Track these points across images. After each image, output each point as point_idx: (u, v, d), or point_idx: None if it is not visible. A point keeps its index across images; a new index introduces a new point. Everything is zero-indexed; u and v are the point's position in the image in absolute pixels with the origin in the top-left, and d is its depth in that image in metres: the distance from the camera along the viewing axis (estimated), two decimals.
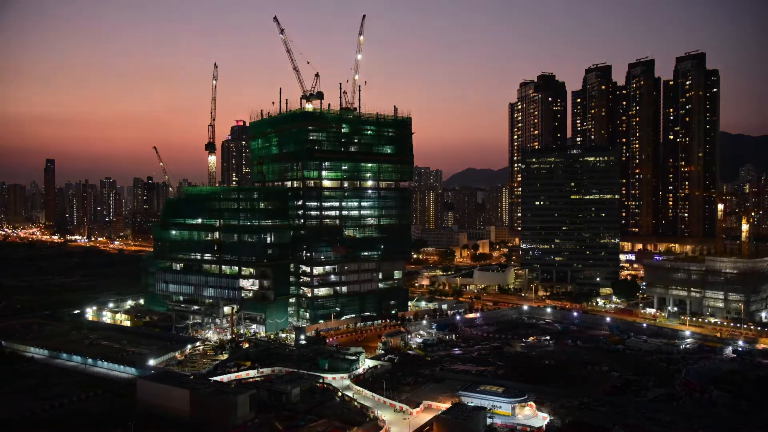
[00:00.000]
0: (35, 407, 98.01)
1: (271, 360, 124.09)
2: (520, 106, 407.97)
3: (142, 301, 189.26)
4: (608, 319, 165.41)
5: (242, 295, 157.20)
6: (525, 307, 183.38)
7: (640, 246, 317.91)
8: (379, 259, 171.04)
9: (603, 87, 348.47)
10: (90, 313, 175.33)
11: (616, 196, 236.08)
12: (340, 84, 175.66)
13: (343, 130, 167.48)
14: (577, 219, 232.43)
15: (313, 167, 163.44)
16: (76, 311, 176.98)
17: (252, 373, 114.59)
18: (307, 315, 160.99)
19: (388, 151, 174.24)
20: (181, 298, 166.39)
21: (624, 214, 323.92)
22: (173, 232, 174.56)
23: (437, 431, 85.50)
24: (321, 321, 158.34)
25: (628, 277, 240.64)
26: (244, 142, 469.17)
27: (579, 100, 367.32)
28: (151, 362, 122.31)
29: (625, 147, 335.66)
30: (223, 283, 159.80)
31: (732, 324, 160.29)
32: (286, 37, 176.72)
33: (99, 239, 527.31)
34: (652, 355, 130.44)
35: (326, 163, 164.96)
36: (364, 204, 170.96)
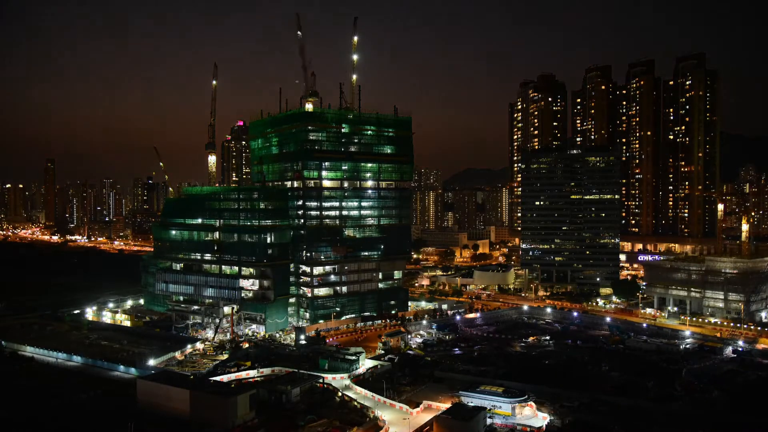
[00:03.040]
0: (35, 407, 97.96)
1: (271, 360, 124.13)
2: (520, 106, 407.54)
3: (142, 301, 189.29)
4: (608, 319, 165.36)
5: (242, 295, 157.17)
6: (525, 307, 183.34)
7: (640, 246, 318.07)
8: (379, 259, 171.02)
9: (603, 87, 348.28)
10: (90, 313, 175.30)
11: (616, 196, 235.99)
12: (341, 84, 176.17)
13: (343, 130, 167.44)
14: (577, 219, 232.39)
15: (313, 167, 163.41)
16: (76, 311, 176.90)
17: (252, 373, 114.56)
18: (307, 315, 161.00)
19: (388, 151, 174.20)
20: (181, 298, 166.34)
21: (624, 214, 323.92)
22: (173, 232, 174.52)
23: (437, 431, 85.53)
24: (321, 321, 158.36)
25: (628, 277, 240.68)
26: (244, 142, 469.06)
27: (579, 100, 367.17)
28: (151, 362, 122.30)
29: (625, 147, 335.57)
30: (223, 283, 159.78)
31: (732, 324, 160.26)
32: (303, 37, 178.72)
33: (99, 239, 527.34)
34: (652, 355, 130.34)
35: (326, 163, 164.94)
36: (364, 204, 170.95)
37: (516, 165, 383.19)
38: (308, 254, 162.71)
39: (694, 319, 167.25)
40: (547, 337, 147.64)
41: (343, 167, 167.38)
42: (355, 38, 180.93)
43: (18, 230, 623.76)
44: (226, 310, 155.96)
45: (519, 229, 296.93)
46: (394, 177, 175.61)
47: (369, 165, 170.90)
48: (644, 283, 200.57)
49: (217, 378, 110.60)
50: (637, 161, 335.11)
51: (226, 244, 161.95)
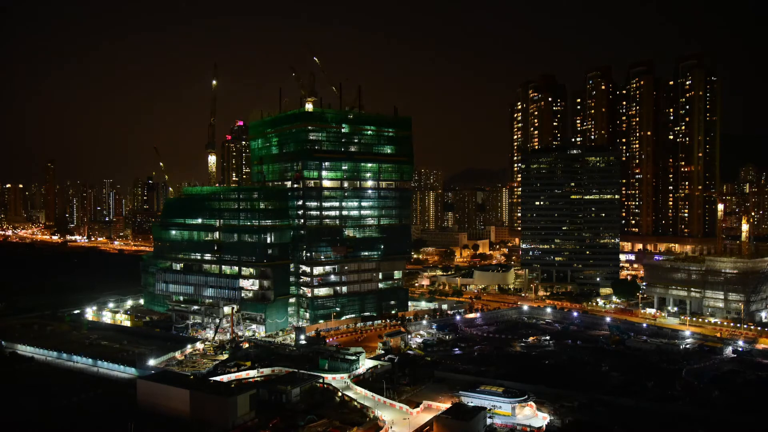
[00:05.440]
0: (35, 407, 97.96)
1: (271, 360, 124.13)
2: (520, 106, 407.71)
3: (142, 301, 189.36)
4: (608, 319, 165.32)
5: (242, 295, 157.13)
6: (525, 307, 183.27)
7: (640, 246, 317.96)
8: (379, 259, 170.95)
9: (603, 87, 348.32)
10: (90, 313, 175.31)
11: (616, 196, 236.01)
12: (341, 84, 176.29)
13: (343, 130, 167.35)
14: (577, 219, 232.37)
15: (313, 167, 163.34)
16: (76, 311, 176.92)
17: (252, 373, 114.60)
18: (307, 315, 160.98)
19: (388, 151, 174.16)
20: (181, 298, 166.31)
21: (624, 214, 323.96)
22: (173, 232, 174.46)
23: (437, 431, 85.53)
24: (321, 321, 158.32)
25: (628, 277, 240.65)
26: (244, 142, 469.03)
27: (579, 100, 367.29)
28: (151, 362, 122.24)
29: (625, 147, 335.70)
30: (223, 283, 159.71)
31: (732, 324, 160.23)
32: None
33: (99, 239, 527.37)
34: (652, 355, 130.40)
35: (326, 163, 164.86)
36: (364, 204, 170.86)
37: (516, 165, 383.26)
38: (308, 254, 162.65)
39: (694, 319, 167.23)
40: (547, 337, 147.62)
41: (343, 167, 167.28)
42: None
43: (18, 230, 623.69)
44: (226, 310, 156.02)
45: (519, 229, 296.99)
46: (394, 177, 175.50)
47: (369, 165, 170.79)
48: (644, 283, 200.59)
49: (217, 378, 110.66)
50: (637, 161, 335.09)
51: (226, 244, 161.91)
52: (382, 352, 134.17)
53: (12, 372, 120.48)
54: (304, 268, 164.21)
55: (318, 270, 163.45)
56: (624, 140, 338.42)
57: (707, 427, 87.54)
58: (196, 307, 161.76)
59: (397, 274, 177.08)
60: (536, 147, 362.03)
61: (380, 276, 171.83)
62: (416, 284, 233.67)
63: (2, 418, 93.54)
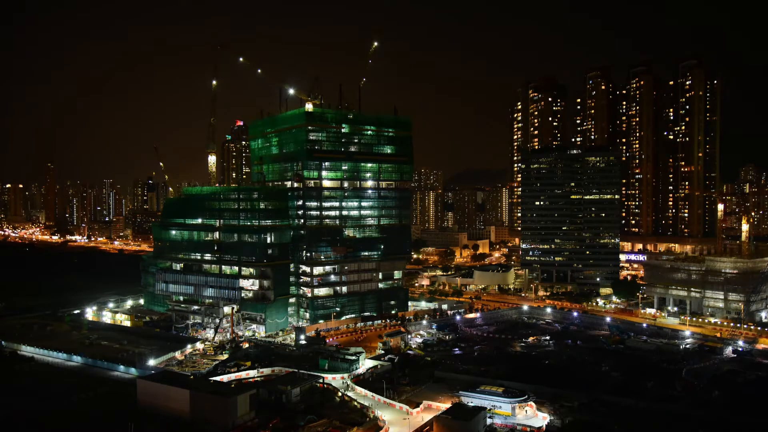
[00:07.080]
0: (35, 407, 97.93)
1: (271, 360, 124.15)
2: (520, 107, 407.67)
3: (142, 301, 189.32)
4: (608, 319, 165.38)
5: (242, 295, 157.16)
6: (525, 307, 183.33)
7: (639, 246, 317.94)
8: (379, 259, 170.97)
9: (603, 87, 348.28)
10: (90, 313, 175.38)
11: (616, 196, 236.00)
12: (340, 86, 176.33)
13: (343, 130, 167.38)
14: (577, 219, 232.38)
15: (313, 167, 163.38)
16: (76, 311, 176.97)
17: (252, 373, 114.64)
18: (307, 315, 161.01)
19: (388, 151, 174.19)
20: (181, 298, 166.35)
21: (624, 214, 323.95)
22: (173, 232, 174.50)
23: (437, 431, 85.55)
24: (321, 321, 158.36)
25: (628, 277, 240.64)
26: (244, 142, 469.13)
27: (579, 100, 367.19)
28: (151, 362, 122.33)
29: (625, 147, 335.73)
30: (223, 283, 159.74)
31: (732, 324, 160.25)
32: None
33: (99, 239, 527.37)
34: (652, 355, 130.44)
35: (326, 163, 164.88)
36: (364, 204, 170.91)
37: (516, 165, 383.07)
38: (308, 254, 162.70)
39: (694, 319, 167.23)
40: (547, 337, 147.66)
41: (343, 167, 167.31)
42: (375, 44, 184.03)
43: (18, 230, 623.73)
44: (226, 310, 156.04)
45: (519, 229, 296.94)
46: (394, 177, 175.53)
47: (369, 165, 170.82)
48: (644, 283, 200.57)
49: (217, 378, 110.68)
50: (637, 161, 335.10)
51: (226, 244, 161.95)
52: (382, 352, 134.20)
53: (12, 372, 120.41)
54: (304, 268, 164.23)
55: (318, 270, 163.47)
56: (624, 140, 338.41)
57: (707, 427, 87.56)
58: (196, 307, 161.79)
59: (397, 274, 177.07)
60: (536, 147, 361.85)
61: (380, 276, 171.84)
62: (416, 284, 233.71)
63: (2, 418, 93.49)
